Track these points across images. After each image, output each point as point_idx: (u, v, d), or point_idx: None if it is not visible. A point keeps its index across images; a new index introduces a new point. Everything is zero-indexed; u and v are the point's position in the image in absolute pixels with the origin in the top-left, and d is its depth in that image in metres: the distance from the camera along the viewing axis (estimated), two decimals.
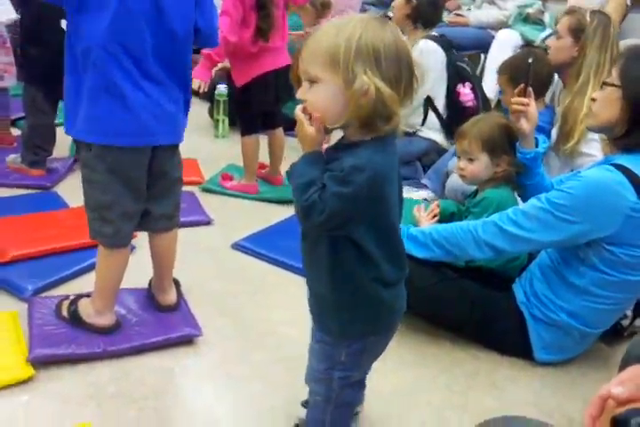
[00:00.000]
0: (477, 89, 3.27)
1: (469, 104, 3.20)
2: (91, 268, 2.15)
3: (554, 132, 2.54)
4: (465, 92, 3.19)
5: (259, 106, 2.85)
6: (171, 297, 1.97)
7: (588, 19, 2.49)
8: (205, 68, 2.78)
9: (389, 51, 1.07)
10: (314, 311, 1.32)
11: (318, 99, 1.10)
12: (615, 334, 1.92)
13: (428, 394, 1.73)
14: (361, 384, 1.45)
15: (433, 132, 3.28)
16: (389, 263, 1.21)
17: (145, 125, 1.65)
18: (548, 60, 2.57)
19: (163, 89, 1.66)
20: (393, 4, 3.30)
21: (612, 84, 1.68)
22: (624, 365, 0.91)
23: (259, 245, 2.46)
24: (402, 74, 1.09)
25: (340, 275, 1.20)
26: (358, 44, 1.05)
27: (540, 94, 2.05)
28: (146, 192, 1.76)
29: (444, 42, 3.23)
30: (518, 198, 2.07)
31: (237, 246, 2.49)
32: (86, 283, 2.04)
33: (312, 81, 1.10)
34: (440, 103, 3.24)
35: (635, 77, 1.64)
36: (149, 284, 2.01)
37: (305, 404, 1.55)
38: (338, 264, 1.18)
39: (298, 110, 1.12)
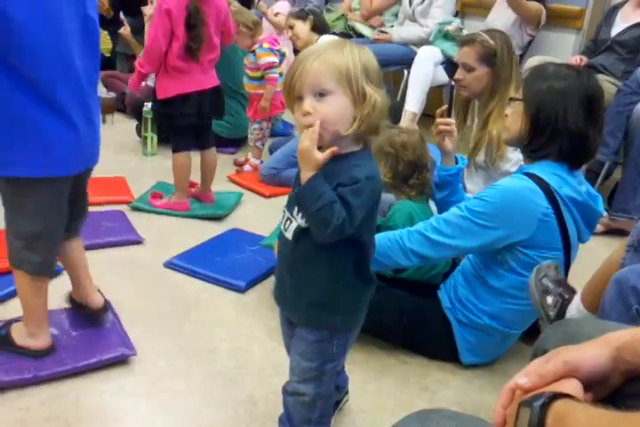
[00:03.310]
0: None
1: None
2: (12, 294, 2.11)
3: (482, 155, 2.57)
4: None
5: (182, 120, 2.86)
6: (99, 298, 1.96)
7: (491, 41, 2.45)
8: (137, 79, 2.94)
9: (376, 67, 1.23)
10: (306, 314, 1.36)
11: (330, 108, 1.18)
12: (534, 334, 2.02)
13: (359, 399, 1.77)
14: (342, 367, 1.56)
15: None
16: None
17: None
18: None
19: None
20: (294, 31, 3.72)
21: (517, 99, 1.80)
22: (533, 358, 0.98)
23: (190, 263, 2.47)
24: (382, 86, 1.24)
25: (341, 273, 1.30)
26: (361, 62, 1.20)
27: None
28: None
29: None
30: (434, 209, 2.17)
31: (169, 264, 2.48)
32: (9, 309, 2.01)
33: (322, 94, 1.18)
34: None
35: (533, 92, 1.75)
36: (70, 299, 2.00)
37: None
38: (340, 263, 1.29)
39: (307, 134, 1.17)
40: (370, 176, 1.19)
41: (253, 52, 3.49)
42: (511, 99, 1.83)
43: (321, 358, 1.37)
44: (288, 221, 1.30)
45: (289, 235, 1.30)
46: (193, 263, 2.46)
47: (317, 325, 1.35)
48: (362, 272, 1.32)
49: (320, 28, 3.79)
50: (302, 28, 3.74)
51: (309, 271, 1.31)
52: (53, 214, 1.68)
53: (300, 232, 1.27)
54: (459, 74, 2.52)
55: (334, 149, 1.18)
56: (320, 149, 1.19)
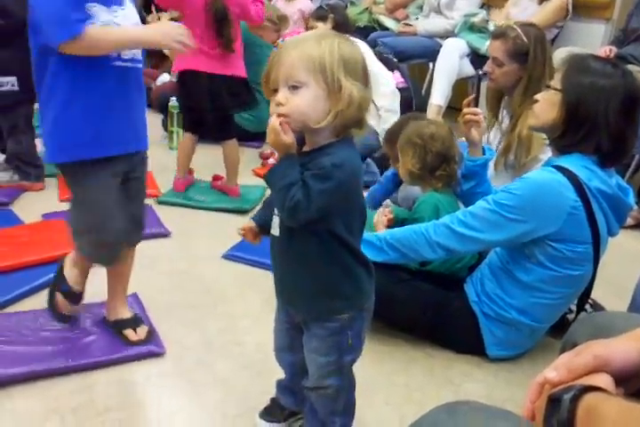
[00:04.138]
0: (405, 75, 3.71)
1: (401, 85, 3.54)
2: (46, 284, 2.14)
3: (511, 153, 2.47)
4: (395, 75, 3.41)
5: (191, 100, 2.92)
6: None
7: (524, 38, 2.35)
8: None
9: (359, 61, 1.20)
10: (311, 307, 1.34)
11: (302, 101, 1.16)
12: (563, 328, 1.99)
13: (385, 392, 1.78)
14: None
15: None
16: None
17: None
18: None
19: None
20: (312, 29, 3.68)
21: (554, 88, 1.76)
22: (561, 352, 0.97)
23: (251, 253, 2.49)
24: (366, 81, 1.21)
25: (332, 263, 1.27)
26: (340, 53, 1.16)
27: None
28: None
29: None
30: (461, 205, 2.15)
31: (229, 256, 2.53)
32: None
33: (295, 86, 1.16)
34: None
35: (573, 84, 1.72)
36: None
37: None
38: (328, 254, 1.26)
39: (273, 121, 1.16)
40: (337, 164, 1.16)
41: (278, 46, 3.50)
42: (547, 86, 1.79)
43: (337, 351, 1.34)
44: (275, 218, 1.30)
45: (275, 231, 1.30)
46: (254, 254, 2.47)
47: (324, 314, 1.32)
48: (355, 257, 1.30)
49: (342, 24, 3.71)
50: (324, 29, 3.71)
51: (301, 264, 1.29)
52: None
53: (283, 227, 1.27)
54: (488, 66, 2.46)
55: (285, 122, 1.16)
56: (302, 145, 1.23)
